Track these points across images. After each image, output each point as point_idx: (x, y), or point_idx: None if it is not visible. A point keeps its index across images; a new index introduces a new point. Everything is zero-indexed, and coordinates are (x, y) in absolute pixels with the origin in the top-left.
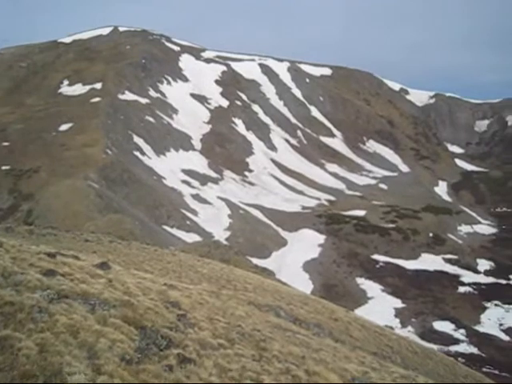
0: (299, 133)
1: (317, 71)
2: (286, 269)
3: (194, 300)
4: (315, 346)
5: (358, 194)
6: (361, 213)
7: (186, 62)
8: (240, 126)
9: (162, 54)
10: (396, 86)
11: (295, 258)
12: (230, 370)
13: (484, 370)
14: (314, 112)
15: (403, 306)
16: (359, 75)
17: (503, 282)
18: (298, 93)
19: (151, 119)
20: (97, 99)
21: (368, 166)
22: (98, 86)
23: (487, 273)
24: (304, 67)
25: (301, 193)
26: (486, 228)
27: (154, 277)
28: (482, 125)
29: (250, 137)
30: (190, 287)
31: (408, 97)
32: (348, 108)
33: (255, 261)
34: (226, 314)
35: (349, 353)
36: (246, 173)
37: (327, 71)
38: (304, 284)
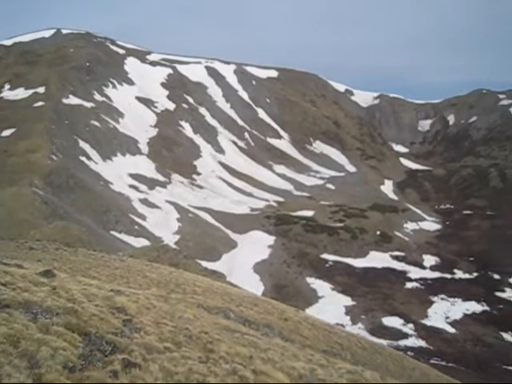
0: (246, 135)
1: (263, 73)
2: (237, 271)
3: (141, 305)
4: (263, 345)
5: (305, 194)
6: (309, 213)
7: (132, 65)
8: (187, 129)
9: (106, 57)
10: (341, 88)
11: (245, 260)
12: (176, 373)
13: (432, 361)
14: (261, 114)
15: (353, 303)
16: (305, 77)
17: (448, 276)
18: (244, 95)
19: (97, 123)
20: (40, 103)
21: (315, 166)
22: (41, 90)
23: (433, 268)
24: (250, 69)
25: (249, 195)
26: (430, 224)
27: (101, 283)
28: (425, 124)
29: (198, 140)
30: (138, 292)
31: (353, 98)
32: (294, 109)
33: (205, 264)
34: (174, 317)
35: (297, 351)
36: (194, 176)
37: (273, 73)
38: (255, 285)
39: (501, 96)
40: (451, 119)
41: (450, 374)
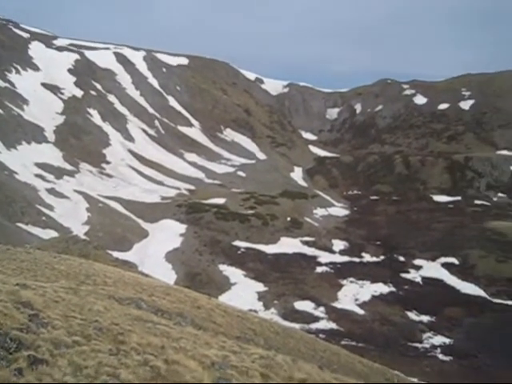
0: (157, 123)
1: (173, 60)
2: (149, 260)
3: (48, 298)
4: (176, 335)
5: (217, 182)
6: (221, 201)
7: (37, 49)
8: (95, 116)
9: (9, 40)
10: (252, 76)
11: (157, 249)
12: (86, 367)
13: (342, 342)
14: (172, 102)
15: (265, 289)
16: (216, 65)
17: (357, 260)
18: (154, 82)
19: (0, 111)
20: None
21: (226, 154)
22: None
23: (342, 252)
24: (160, 56)
25: (160, 183)
26: (339, 210)
27: (6, 277)
28: (333, 113)
29: (107, 128)
30: (45, 285)
31: (263, 86)
32: (205, 97)
33: (116, 254)
34: (84, 310)
35: (210, 339)
36: (104, 165)
37: (184, 61)
38: (167, 274)
39: (404, 86)
40: (358, 108)
41: (359, 353)
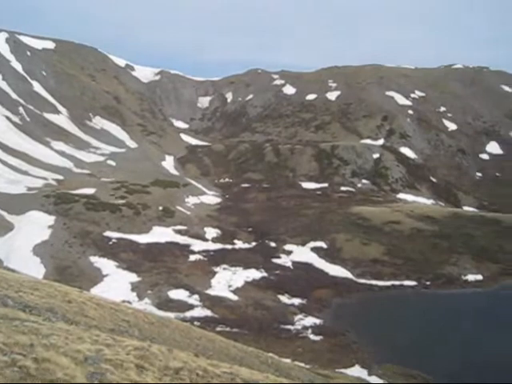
0: (21, 109)
1: (39, 44)
2: (15, 255)
3: None
4: (46, 331)
5: (86, 171)
6: (90, 191)
7: None
8: None
9: None
10: (121, 62)
11: (24, 243)
12: None
13: (218, 329)
14: (37, 87)
15: (139, 279)
16: (84, 50)
17: (229, 247)
18: (18, 66)
19: None
20: None
21: (95, 142)
22: None
23: (214, 240)
24: (24, 39)
25: (26, 173)
26: (211, 198)
27: None
28: (204, 101)
29: None
30: None
31: (134, 73)
32: (73, 83)
33: None
34: None
35: (82, 333)
36: None
37: (50, 44)
38: (35, 269)
39: (274, 76)
40: (229, 97)
41: (234, 338)
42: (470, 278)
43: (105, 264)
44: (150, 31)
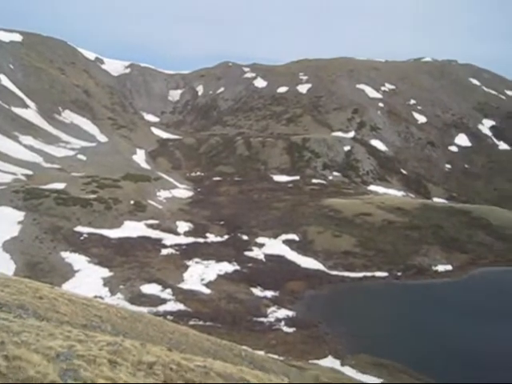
0: None
1: (5, 36)
2: None
3: None
4: (17, 328)
5: (56, 166)
6: (60, 185)
7: None
8: None
9: None
10: (91, 55)
11: None
12: None
13: (191, 322)
14: (4, 81)
15: (111, 274)
16: (53, 43)
17: (201, 240)
18: None
19: None
20: None
21: (65, 137)
22: None
23: (186, 234)
24: None
25: None
26: (183, 192)
27: None
28: (175, 94)
29: None
30: None
31: (103, 66)
32: (42, 77)
33: None
34: None
35: (54, 330)
36: None
37: (17, 37)
38: (5, 265)
39: (245, 69)
40: (200, 90)
41: (207, 331)
42: (440, 268)
43: (76, 259)
44: (120, 24)
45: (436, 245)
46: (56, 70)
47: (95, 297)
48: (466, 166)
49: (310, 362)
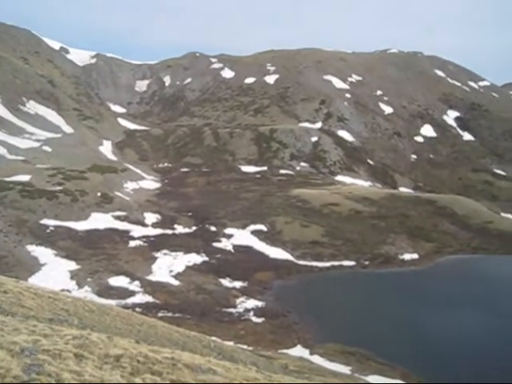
0: None
1: None
2: None
3: None
4: None
5: (20, 158)
6: (25, 177)
7: None
8: None
9: None
10: (56, 45)
11: None
12: None
13: (160, 314)
14: None
15: (78, 267)
16: (15, 32)
17: (169, 232)
18: None
19: None
20: None
21: (30, 128)
22: None
23: (154, 225)
24: None
25: None
26: (150, 183)
27: None
28: (142, 85)
29: None
30: None
31: (69, 56)
32: (4, 66)
33: None
34: None
35: (19, 324)
36: None
37: None
38: None
39: (213, 60)
40: (167, 80)
41: (176, 323)
42: (407, 256)
43: (42, 253)
44: (86, 14)
45: (402, 234)
46: (19, 60)
47: (62, 290)
48: (432, 156)
49: (279, 351)
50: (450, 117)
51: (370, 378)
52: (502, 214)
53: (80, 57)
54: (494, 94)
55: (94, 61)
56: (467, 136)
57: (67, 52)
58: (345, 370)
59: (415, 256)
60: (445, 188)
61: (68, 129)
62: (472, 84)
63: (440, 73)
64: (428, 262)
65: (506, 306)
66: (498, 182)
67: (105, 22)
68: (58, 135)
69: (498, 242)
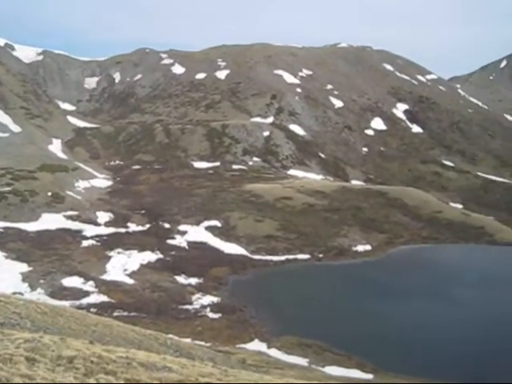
0: None
1: None
2: None
3: None
4: None
5: None
6: None
7: None
8: None
9: None
10: (0, 42)
11: None
12: None
13: (115, 314)
14: None
15: (30, 269)
16: None
17: (123, 230)
18: None
19: None
20: None
21: None
22: None
23: (107, 224)
24: None
25: None
26: (102, 181)
27: None
28: (91, 82)
29: None
30: None
31: (14, 53)
32: None
33: None
34: None
35: None
36: None
37: None
38: None
39: (163, 55)
40: (117, 77)
41: (132, 322)
42: (360, 248)
43: None
44: (32, 9)
45: (355, 226)
46: None
47: (14, 293)
48: (382, 148)
49: (237, 346)
50: (399, 110)
51: (327, 369)
52: (451, 204)
53: (26, 54)
54: (441, 88)
55: (40, 58)
56: (416, 128)
57: (13, 49)
58: (302, 362)
59: (368, 247)
60: (395, 180)
61: (15, 128)
62: (420, 77)
63: (389, 67)
64: (381, 253)
65: (454, 292)
66: (447, 173)
67: (50, 18)
68: (6, 134)
69: (448, 232)
